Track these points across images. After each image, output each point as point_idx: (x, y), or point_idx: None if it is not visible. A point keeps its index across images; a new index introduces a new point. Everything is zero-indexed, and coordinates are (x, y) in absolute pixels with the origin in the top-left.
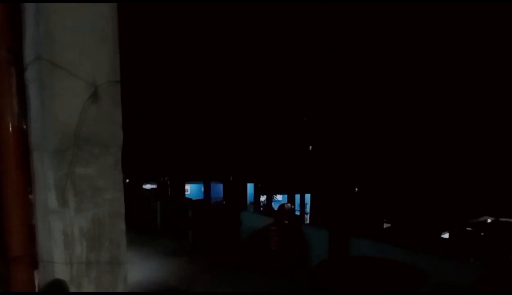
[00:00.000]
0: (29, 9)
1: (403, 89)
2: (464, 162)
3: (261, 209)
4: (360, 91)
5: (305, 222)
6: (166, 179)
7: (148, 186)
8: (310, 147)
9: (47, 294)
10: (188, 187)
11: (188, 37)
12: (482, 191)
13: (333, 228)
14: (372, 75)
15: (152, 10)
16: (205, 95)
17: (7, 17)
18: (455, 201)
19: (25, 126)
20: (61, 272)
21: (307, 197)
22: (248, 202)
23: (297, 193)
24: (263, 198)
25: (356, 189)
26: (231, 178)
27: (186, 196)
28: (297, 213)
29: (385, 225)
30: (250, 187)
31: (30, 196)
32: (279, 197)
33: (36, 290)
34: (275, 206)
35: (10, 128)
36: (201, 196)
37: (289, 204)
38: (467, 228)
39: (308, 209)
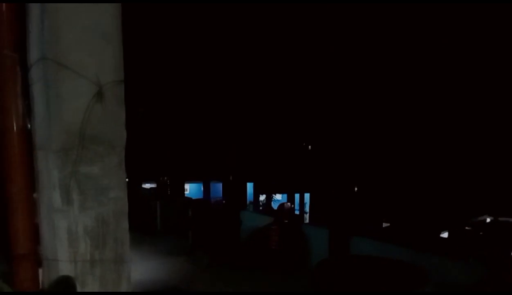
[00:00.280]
0: (34, 9)
1: (403, 88)
2: (463, 161)
3: (260, 208)
4: (359, 91)
5: (305, 221)
6: (165, 178)
7: (147, 186)
8: (309, 146)
9: (56, 294)
10: (187, 186)
11: (188, 38)
12: (482, 190)
13: (333, 227)
14: (372, 75)
15: (152, 12)
16: (204, 95)
17: (13, 17)
18: (454, 200)
19: (29, 126)
20: (65, 270)
21: (307, 196)
22: (247, 201)
23: (297, 192)
24: (262, 198)
25: (356, 188)
26: (230, 177)
27: (186, 195)
28: (297, 212)
29: (385, 225)
30: (249, 186)
31: (34, 195)
32: (278, 197)
33: (40, 287)
34: (275, 206)
35: (15, 128)
36: (200, 196)
37: (289, 203)
38: (467, 228)
39: (307, 208)
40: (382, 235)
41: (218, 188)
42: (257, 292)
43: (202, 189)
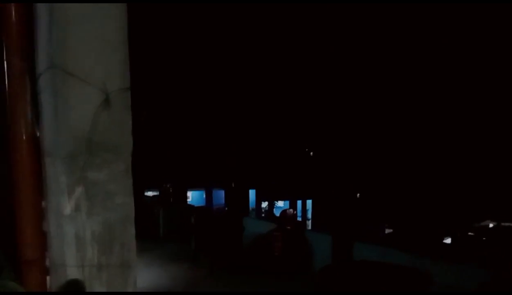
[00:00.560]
0: (42, 18)
1: (405, 94)
2: (465, 167)
3: (263, 215)
4: (360, 97)
5: (307, 228)
6: (168, 186)
7: (150, 193)
8: (311, 153)
9: (64, 294)
10: (189, 194)
11: (189, 44)
12: (484, 195)
13: (336, 233)
14: (373, 81)
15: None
16: (206, 103)
17: (22, 27)
18: (457, 206)
19: (37, 133)
20: (73, 275)
21: (309, 202)
22: (250, 208)
23: (299, 199)
24: (264, 204)
25: (358, 195)
26: (233, 184)
27: (188, 203)
28: (299, 219)
29: (387, 231)
30: (251, 193)
31: (43, 202)
32: (280, 203)
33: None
34: (277, 212)
35: (24, 136)
36: (203, 203)
37: (291, 210)
38: (469, 233)
39: (310, 215)
40: (385, 241)
41: (220, 195)
42: (257, 292)
43: (204, 196)
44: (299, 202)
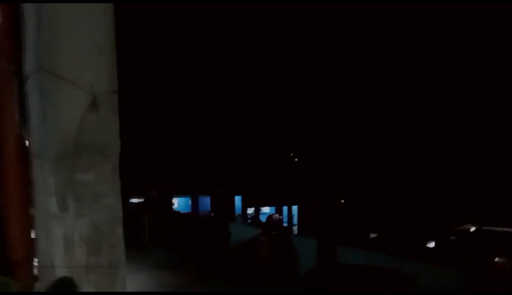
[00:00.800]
0: (30, 21)
1: (387, 101)
2: (447, 173)
3: (249, 221)
4: (345, 103)
5: (293, 233)
6: (153, 192)
7: (135, 200)
8: (296, 159)
9: (58, 294)
10: (175, 200)
11: (174, 52)
12: (465, 200)
13: (321, 237)
14: (357, 89)
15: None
16: (192, 110)
17: (9, 31)
18: (439, 210)
19: (25, 135)
20: (61, 276)
21: (295, 208)
22: (236, 214)
23: (285, 205)
24: (250, 211)
25: (342, 200)
26: (219, 191)
27: (174, 209)
28: (285, 224)
29: (372, 235)
30: (237, 200)
31: (31, 203)
32: (266, 209)
33: None
34: (263, 218)
35: (12, 138)
36: (188, 209)
37: (277, 215)
38: (451, 237)
39: (295, 221)
40: (370, 245)
41: (206, 202)
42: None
43: (190, 202)
44: (285, 208)
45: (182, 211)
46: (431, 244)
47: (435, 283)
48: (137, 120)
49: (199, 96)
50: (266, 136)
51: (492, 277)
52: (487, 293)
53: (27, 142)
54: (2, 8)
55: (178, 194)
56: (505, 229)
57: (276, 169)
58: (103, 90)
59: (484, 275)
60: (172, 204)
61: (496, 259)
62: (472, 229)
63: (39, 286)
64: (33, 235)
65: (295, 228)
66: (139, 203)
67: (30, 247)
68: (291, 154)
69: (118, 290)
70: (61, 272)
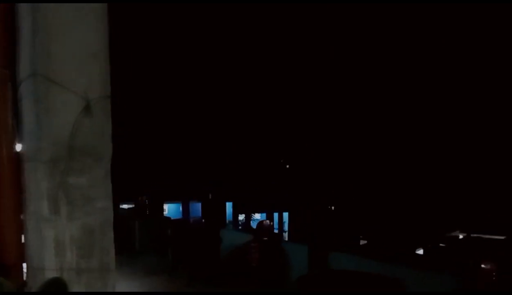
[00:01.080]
0: (25, 27)
1: (376, 110)
2: (435, 181)
3: (240, 227)
4: (335, 112)
5: (284, 239)
6: (144, 198)
7: (125, 206)
8: (287, 166)
9: (53, 294)
10: (166, 206)
11: (163, 60)
12: (454, 208)
13: (312, 243)
14: (346, 97)
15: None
16: (183, 116)
17: (4, 36)
18: (428, 217)
19: (18, 139)
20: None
21: (285, 215)
22: (227, 221)
23: (276, 211)
24: (241, 217)
25: (333, 207)
26: (210, 197)
27: (165, 215)
28: (276, 230)
29: (362, 242)
30: (228, 206)
31: (22, 206)
32: (257, 216)
33: None
34: (254, 225)
35: (4, 142)
36: (179, 216)
37: (268, 221)
38: (440, 244)
39: (286, 227)
40: (360, 252)
41: (197, 208)
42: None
43: (181, 209)
44: (275, 214)
45: (172, 217)
46: (421, 251)
47: (425, 288)
48: (128, 126)
49: (190, 103)
50: (258, 143)
51: (479, 283)
52: None
53: (19, 146)
54: None
55: (169, 200)
56: (493, 236)
57: (267, 176)
58: (96, 95)
59: (472, 281)
60: (162, 210)
61: (483, 265)
62: (461, 236)
63: (29, 289)
64: (23, 239)
65: (285, 235)
66: (129, 208)
67: (21, 251)
68: (282, 161)
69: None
70: (51, 274)
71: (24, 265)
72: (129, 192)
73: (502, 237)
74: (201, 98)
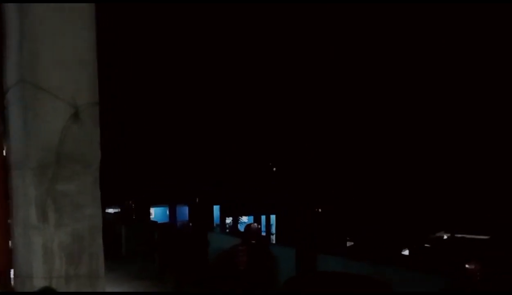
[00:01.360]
0: (12, 34)
1: (363, 111)
2: (420, 183)
3: (227, 231)
4: (321, 114)
5: (272, 242)
6: (130, 202)
7: (111, 210)
8: (274, 169)
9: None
10: (152, 210)
11: (151, 65)
12: (438, 209)
13: (300, 245)
14: (333, 100)
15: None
16: (169, 119)
17: None
18: (413, 219)
19: (4, 146)
20: (40, 287)
21: (273, 218)
22: (214, 224)
23: (263, 214)
24: (228, 220)
25: (320, 210)
26: (197, 200)
27: (151, 219)
28: (263, 233)
29: (349, 243)
30: (216, 209)
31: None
32: (244, 219)
33: None
34: (241, 228)
35: None
36: (166, 219)
37: (255, 224)
38: (425, 244)
39: (274, 230)
40: (347, 253)
41: (184, 211)
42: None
43: (167, 212)
44: (263, 217)
45: (159, 221)
46: (406, 251)
47: (411, 288)
48: (113, 129)
49: (176, 107)
50: (245, 146)
51: (464, 282)
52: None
53: (7, 153)
54: None
55: (156, 204)
56: (477, 236)
57: (255, 179)
58: (84, 102)
59: (456, 280)
60: (149, 214)
61: (467, 265)
62: (445, 236)
63: None
64: (11, 246)
65: (273, 237)
66: (115, 213)
67: (9, 258)
68: (270, 164)
69: None
70: (40, 282)
71: (12, 272)
72: (115, 196)
73: (486, 237)
74: (187, 102)
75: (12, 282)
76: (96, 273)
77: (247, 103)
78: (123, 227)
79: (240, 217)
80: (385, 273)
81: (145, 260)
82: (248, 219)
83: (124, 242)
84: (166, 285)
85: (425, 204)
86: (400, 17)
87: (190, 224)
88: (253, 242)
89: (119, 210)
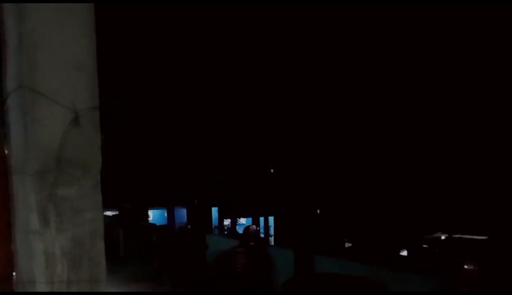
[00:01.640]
0: (11, 40)
1: (361, 113)
2: (418, 183)
3: (225, 232)
4: (319, 115)
5: (270, 244)
6: (128, 205)
7: (109, 213)
8: (272, 170)
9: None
10: (150, 212)
11: (149, 67)
12: (436, 209)
13: (298, 247)
14: (331, 101)
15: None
16: (167, 120)
17: None
18: (411, 219)
19: (5, 151)
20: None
21: (271, 219)
22: (213, 226)
23: (261, 216)
24: (227, 222)
25: (318, 211)
26: (195, 202)
27: (149, 221)
28: (262, 235)
29: (347, 245)
30: (214, 211)
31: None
32: (243, 221)
33: None
34: (240, 230)
35: None
36: (164, 222)
37: (254, 226)
38: (423, 245)
39: (272, 231)
40: (345, 254)
41: (182, 213)
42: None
43: (165, 215)
44: (261, 219)
45: (157, 223)
46: (404, 252)
47: (409, 289)
48: (110, 132)
49: (174, 109)
50: (243, 147)
51: (461, 283)
52: None
53: (7, 158)
54: None
55: (153, 206)
56: (474, 237)
57: (253, 180)
58: (84, 107)
59: (454, 281)
60: (147, 216)
61: (465, 266)
62: (443, 237)
63: None
64: (13, 251)
65: (271, 239)
66: (113, 215)
67: (11, 264)
68: (269, 165)
69: None
70: (42, 288)
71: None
72: (112, 198)
73: (484, 237)
74: (185, 104)
75: (14, 288)
76: (97, 277)
77: (245, 104)
78: (121, 230)
79: (238, 219)
80: (383, 274)
81: (143, 262)
82: (246, 221)
83: (122, 245)
84: (164, 287)
85: (422, 205)
86: (400, 17)
87: (188, 226)
88: (252, 244)
89: (117, 212)
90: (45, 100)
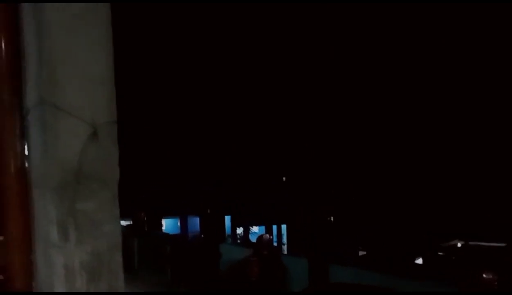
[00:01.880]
0: (32, 55)
1: (372, 118)
2: (434, 190)
3: (238, 241)
4: (331, 121)
5: (283, 252)
6: (142, 214)
7: (123, 223)
8: (284, 178)
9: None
10: (163, 222)
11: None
12: (452, 217)
13: (312, 256)
14: (341, 108)
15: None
16: (178, 129)
17: (12, 64)
18: (427, 227)
19: (26, 166)
20: None
21: (284, 227)
22: (226, 234)
23: (274, 224)
24: (240, 231)
25: (332, 218)
26: (208, 211)
27: (163, 231)
28: (275, 243)
29: (361, 253)
30: (227, 220)
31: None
32: (255, 229)
33: None
34: (252, 238)
35: (13, 170)
36: (177, 231)
37: (267, 235)
38: (439, 253)
39: (285, 240)
40: (359, 263)
41: (195, 222)
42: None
43: (179, 224)
44: (274, 227)
45: (171, 233)
46: (419, 260)
47: None
48: (123, 142)
49: (186, 117)
50: (254, 155)
51: (480, 293)
52: None
53: (28, 173)
54: (5, 43)
55: (167, 215)
56: (492, 244)
57: (265, 188)
58: (102, 121)
59: (471, 290)
60: (161, 226)
61: (484, 275)
62: (459, 244)
63: None
64: (33, 265)
65: (284, 247)
66: (127, 225)
67: (31, 276)
68: (281, 173)
69: None
70: None
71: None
72: (126, 208)
73: (502, 244)
74: (197, 113)
75: None
76: (115, 289)
77: (256, 113)
78: (135, 240)
79: (251, 227)
80: (397, 283)
81: (158, 272)
82: (259, 229)
83: (136, 255)
84: None
85: (438, 211)
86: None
87: (202, 235)
88: (265, 253)
89: (131, 222)
90: (66, 116)
